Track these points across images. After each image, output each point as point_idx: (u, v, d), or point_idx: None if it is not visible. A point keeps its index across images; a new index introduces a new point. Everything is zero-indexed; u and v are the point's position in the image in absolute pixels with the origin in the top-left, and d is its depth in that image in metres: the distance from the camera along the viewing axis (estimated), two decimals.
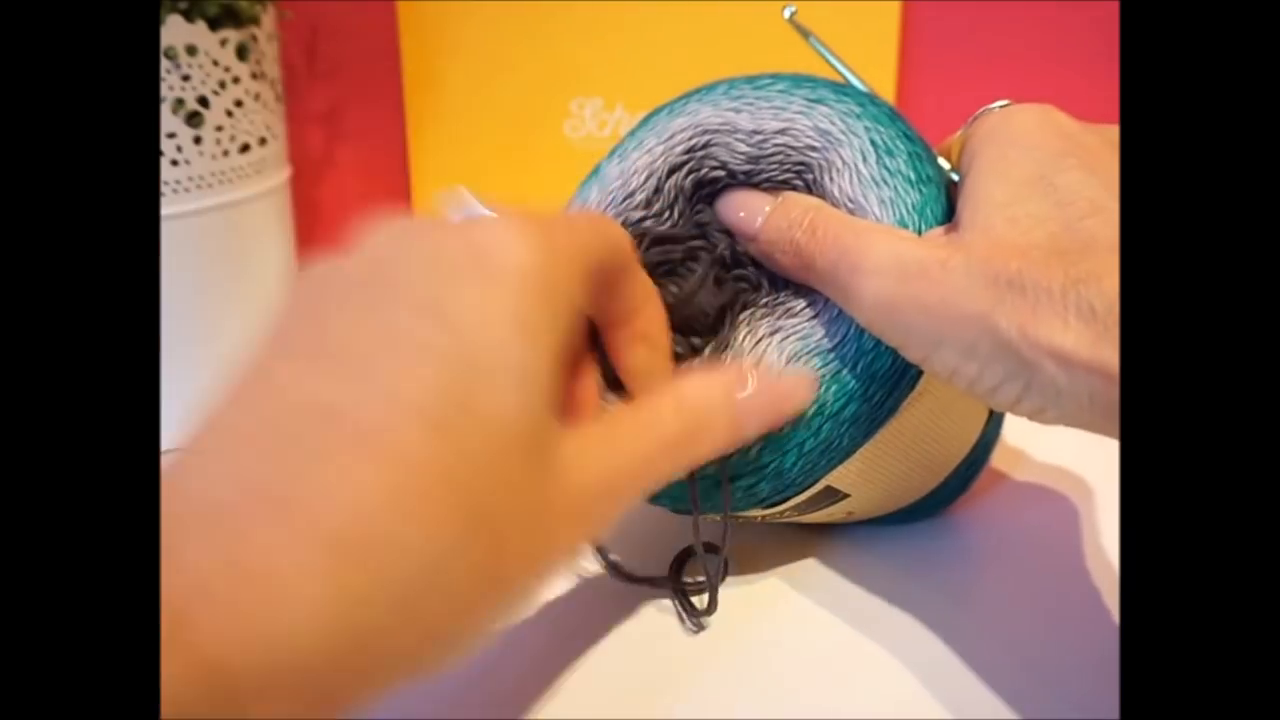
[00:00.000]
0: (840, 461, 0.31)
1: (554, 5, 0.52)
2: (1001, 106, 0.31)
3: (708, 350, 0.32)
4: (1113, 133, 0.28)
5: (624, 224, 0.33)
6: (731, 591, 0.34)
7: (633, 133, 0.36)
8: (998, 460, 0.41)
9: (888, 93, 0.53)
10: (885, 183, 0.31)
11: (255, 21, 0.43)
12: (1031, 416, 0.26)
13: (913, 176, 0.31)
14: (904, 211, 0.30)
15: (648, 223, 0.33)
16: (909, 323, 0.27)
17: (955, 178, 0.32)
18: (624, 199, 0.34)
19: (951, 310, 0.26)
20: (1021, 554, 0.36)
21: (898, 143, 0.31)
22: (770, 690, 0.30)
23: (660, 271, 0.32)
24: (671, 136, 0.34)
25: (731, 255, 0.33)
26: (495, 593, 0.21)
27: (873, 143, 0.31)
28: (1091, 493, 0.39)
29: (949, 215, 0.30)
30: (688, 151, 0.33)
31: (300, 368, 0.21)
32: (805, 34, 0.36)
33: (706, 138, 0.33)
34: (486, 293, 0.21)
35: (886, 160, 0.31)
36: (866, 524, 0.37)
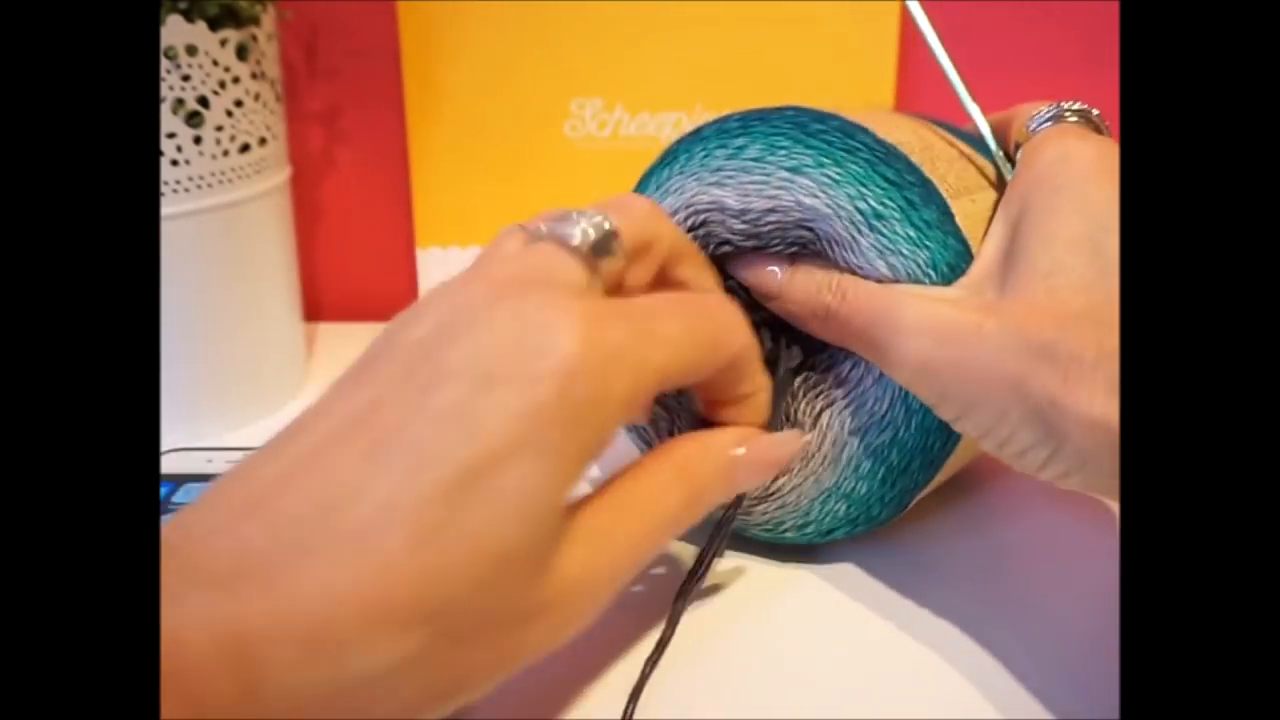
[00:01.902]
0: (919, 495, 0.33)
1: (554, 5, 0.52)
2: (1056, 117, 0.31)
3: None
4: None
5: None
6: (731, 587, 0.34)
7: None
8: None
9: (887, 93, 0.53)
10: (888, 249, 0.30)
11: (255, 21, 0.43)
12: (1057, 480, 0.27)
13: (913, 234, 0.30)
14: (918, 271, 0.30)
15: None
16: (944, 385, 0.27)
17: (1008, 175, 0.32)
18: None
19: (985, 375, 0.26)
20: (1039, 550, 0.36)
21: (885, 201, 0.31)
22: (772, 689, 0.30)
23: None
24: (669, 219, 0.33)
25: (773, 320, 0.33)
26: (446, 699, 0.21)
27: (860, 211, 0.31)
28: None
29: (964, 246, 0.30)
30: (688, 231, 0.33)
31: (333, 431, 0.21)
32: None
33: (701, 217, 0.33)
34: (518, 399, 0.20)
35: (880, 226, 0.31)
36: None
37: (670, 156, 0.35)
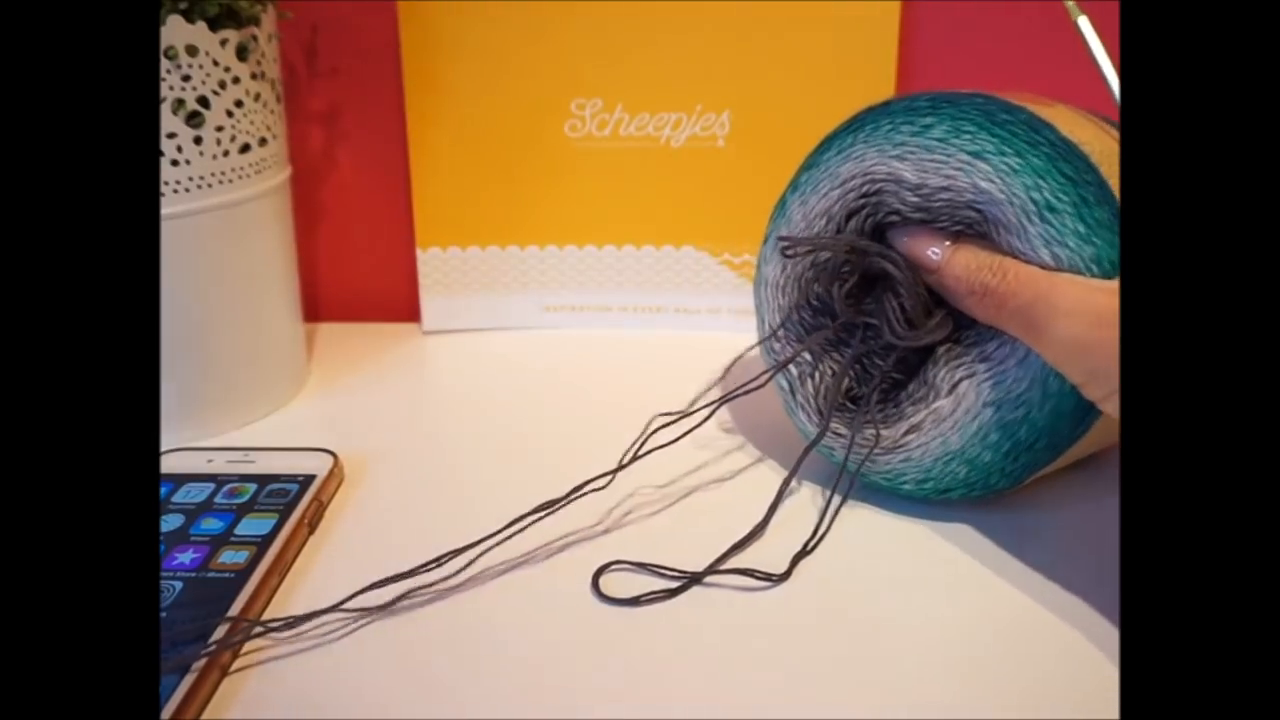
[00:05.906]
0: (1037, 474, 0.35)
1: (554, 6, 0.52)
2: None
3: (911, 385, 0.36)
4: None
5: (812, 264, 0.37)
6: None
7: (808, 168, 0.38)
8: None
9: (887, 94, 0.53)
10: (1055, 240, 0.32)
11: (255, 21, 0.43)
12: None
13: (1082, 229, 0.31)
14: (1080, 265, 0.31)
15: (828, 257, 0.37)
16: (1096, 365, 0.29)
17: None
18: None
19: None
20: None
21: (1060, 195, 0.32)
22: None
23: (867, 299, 0.36)
24: (845, 183, 0.36)
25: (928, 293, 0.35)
26: None
27: (1034, 201, 0.32)
28: None
29: None
30: (861, 198, 0.36)
31: None
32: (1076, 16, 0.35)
33: (876, 186, 0.35)
34: None
35: (1051, 218, 0.32)
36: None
37: (856, 124, 0.37)
